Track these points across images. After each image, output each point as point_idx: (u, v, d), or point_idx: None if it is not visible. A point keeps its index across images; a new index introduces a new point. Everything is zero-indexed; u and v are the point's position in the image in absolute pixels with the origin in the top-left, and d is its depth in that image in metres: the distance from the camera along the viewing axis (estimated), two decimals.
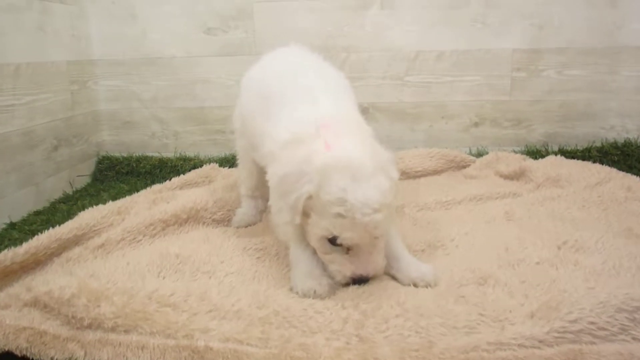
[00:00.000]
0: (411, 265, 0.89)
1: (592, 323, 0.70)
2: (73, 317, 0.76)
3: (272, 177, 0.88)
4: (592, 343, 0.69)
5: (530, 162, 1.54)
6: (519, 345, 0.69)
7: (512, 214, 1.18)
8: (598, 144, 1.71)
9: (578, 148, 1.72)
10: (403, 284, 0.88)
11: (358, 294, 0.82)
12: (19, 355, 0.75)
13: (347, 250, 0.82)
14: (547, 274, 0.87)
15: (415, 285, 0.87)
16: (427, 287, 0.86)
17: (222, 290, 0.83)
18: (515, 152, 1.72)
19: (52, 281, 0.80)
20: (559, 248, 0.98)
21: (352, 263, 0.83)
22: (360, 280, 0.85)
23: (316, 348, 0.70)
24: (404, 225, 1.15)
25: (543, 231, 1.06)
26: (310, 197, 0.80)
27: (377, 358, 0.68)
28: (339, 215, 0.77)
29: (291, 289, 0.86)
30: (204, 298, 0.80)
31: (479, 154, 1.72)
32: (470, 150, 1.78)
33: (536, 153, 1.72)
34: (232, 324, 0.74)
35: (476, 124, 1.79)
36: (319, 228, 0.81)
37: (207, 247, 1.03)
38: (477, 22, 1.69)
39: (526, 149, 1.76)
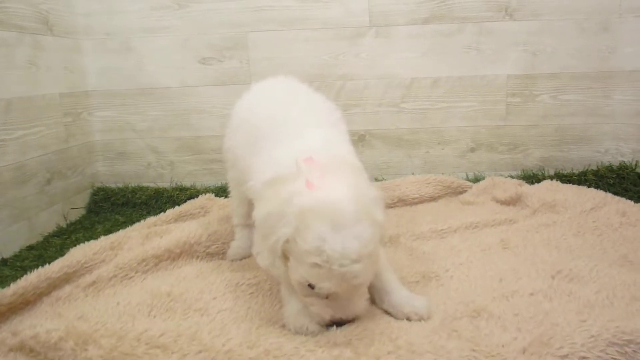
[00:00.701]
0: (404, 299, 0.87)
1: (583, 358, 0.69)
2: None
3: (255, 218, 0.84)
4: None
5: (526, 188, 1.53)
6: None
7: (508, 242, 1.17)
8: (594, 168, 1.70)
9: (574, 172, 1.71)
10: (396, 319, 0.86)
11: (350, 329, 0.81)
12: None
13: (326, 295, 0.78)
14: (540, 306, 0.85)
15: (408, 319, 0.85)
16: (420, 320, 0.85)
17: (213, 329, 0.82)
18: (512, 176, 1.72)
19: (39, 325, 0.79)
20: (553, 278, 0.96)
21: (331, 307, 0.80)
22: (340, 323, 0.82)
23: None
24: (399, 256, 1.14)
25: (538, 260, 1.05)
26: (287, 241, 0.77)
27: None
28: (316, 265, 0.74)
29: (283, 326, 0.85)
30: (194, 338, 0.78)
31: (476, 179, 1.72)
32: (467, 176, 1.77)
33: (532, 177, 1.71)
34: None
35: (472, 149, 1.79)
36: (296, 274, 0.78)
37: (199, 283, 1.01)
38: (471, 49, 1.71)
39: (523, 174, 1.76)
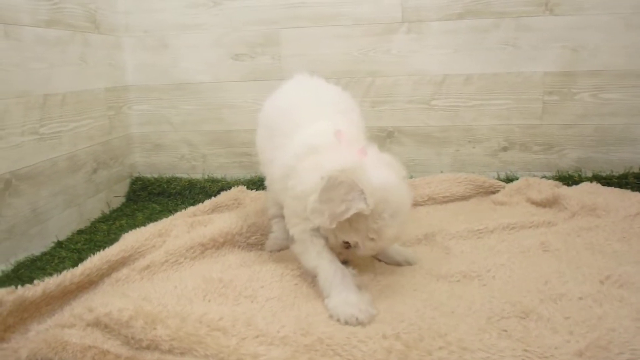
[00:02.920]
0: (396, 251, 1.07)
1: None
2: (132, 338, 0.79)
3: (304, 183, 0.91)
4: None
5: (564, 190, 1.50)
6: None
7: (549, 245, 1.14)
8: (636, 170, 1.65)
9: (614, 174, 1.66)
10: (388, 264, 1.07)
11: (396, 324, 0.81)
12: None
13: (348, 247, 0.93)
14: (591, 311, 0.84)
15: (399, 265, 1.06)
16: (409, 265, 1.05)
17: (265, 316, 0.84)
18: (545, 177, 1.67)
19: (110, 303, 0.84)
20: (601, 283, 0.94)
21: (344, 253, 0.95)
22: (343, 261, 0.96)
23: None
24: (436, 254, 1.13)
25: (583, 264, 1.03)
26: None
27: None
28: (372, 239, 0.88)
29: (331, 317, 0.86)
30: (250, 323, 0.81)
31: (508, 179, 1.68)
32: (498, 175, 1.74)
33: (568, 179, 1.67)
34: (279, 350, 0.75)
35: (505, 149, 1.75)
36: (348, 236, 0.90)
37: (246, 272, 1.05)
38: (507, 45, 1.67)
39: (557, 175, 1.71)
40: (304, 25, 1.73)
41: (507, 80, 1.70)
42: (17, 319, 0.86)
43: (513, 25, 1.65)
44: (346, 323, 0.84)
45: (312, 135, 0.96)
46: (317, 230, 0.93)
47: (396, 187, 0.88)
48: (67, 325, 0.83)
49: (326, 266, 0.92)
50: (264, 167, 1.14)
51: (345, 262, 0.96)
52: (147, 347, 0.78)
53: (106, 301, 0.86)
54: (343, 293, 0.88)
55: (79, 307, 0.88)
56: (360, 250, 0.92)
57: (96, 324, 0.82)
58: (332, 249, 0.95)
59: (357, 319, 0.83)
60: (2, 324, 0.84)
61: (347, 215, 0.84)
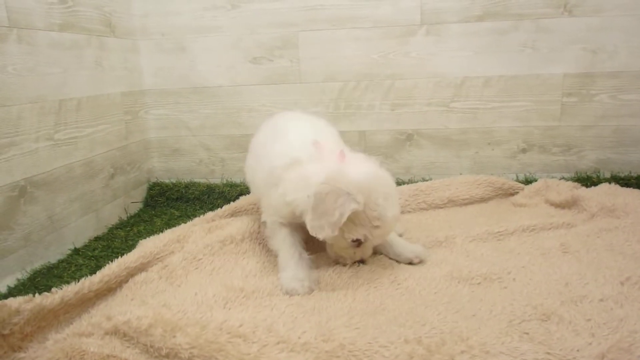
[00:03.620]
0: (405, 247, 1.12)
1: None
2: (151, 347, 0.79)
3: (284, 197, 1.03)
4: None
5: (583, 191, 1.49)
6: None
7: (568, 247, 1.14)
8: None
9: (632, 175, 1.65)
10: (400, 263, 1.10)
11: (417, 327, 0.82)
12: None
13: (359, 244, 1.02)
14: (612, 313, 0.84)
15: (411, 263, 1.10)
16: (420, 262, 1.10)
17: (286, 322, 0.85)
18: (564, 179, 1.67)
19: (128, 311, 0.84)
20: (622, 284, 0.94)
21: (359, 253, 1.06)
22: (361, 261, 1.08)
23: None
24: (456, 257, 1.13)
25: (603, 266, 1.03)
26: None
27: None
28: (377, 226, 0.97)
29: (280, 287, 1.00)
30: (270, 329, 0.81)
31: (527, 181, 1.68)
32: (517, 177, 1.74)
33: (587, 180, 1.66)
34: (300, 356, 0.75)
35: (524, 150, 1.75)
36: (354, 234, 0.99)
37: (267, 280, 1.05)
38: (526, 47, 1.67)
39: (576, 176, 1.71)
40: (322, 27, 1.74)
41: (526, 82, 1.69)
42: (35, 328, 0.86)
43: (532, 27, 1.65)
44: (287, 293, 0.98)
45: (293, 147, 1.07)
46: (284, 222, 1.10)
47: (377, 175, 1.00)
48: (85, 334, 0.82)
49: (287, 249, 1.07)
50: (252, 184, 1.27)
51: (362, 261, 1.09)
52: (167, 356, 0.77)
53: (125, 309, 0.85)
54: (294, 270, 1.02)
55: (97, 316, 0.87)
56: (371, 242, 1.02)
57: (115, 332, 0.82)
58: (343, 253, 1.07)
59: (297, 291, 0.98)
60: (20, 332, 0.83)
61: (344, 220, 0.94)
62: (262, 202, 1.16)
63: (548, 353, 0.73)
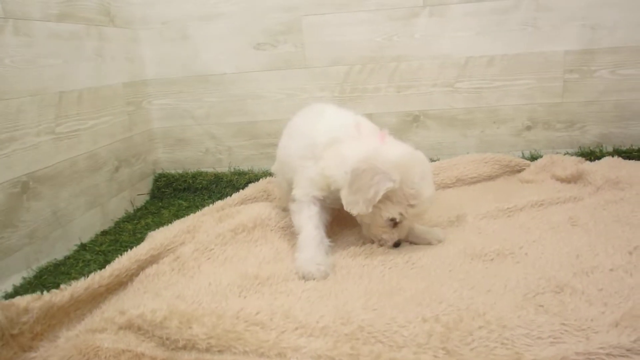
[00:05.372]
0: (424, 230, 1.14)
1: None
2: (167, 339, 0.77)
3: (331, 168, 1.05)
4: None
5: (587, 165, 1.52)
6: (607, 355, 0.69)
7: (577, 220, 1.18)
8: None
9: (634, 147, 1.68)
10: (418, 244, 1.12)
11: (434, 305, 0.83)
12: None
13: (395, 224, 1.05)
14: (623, 282, 0.87)
15: (430, 244, 1.12)
16: (439, 242, 1.11)
17: (303, 307, 0.84)
18: (569, 154, 1.69)
19: (142, 304, 0.82)
20: (630, 254, 0.97)
21: (396, 233, 1.08)
22: (398, 243, 1.09)
23: None
24: (468, 235, 1.16)
25: (612, 237, 1.06)
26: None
27: None
28: (412, 205, 1.01)
29: (295, 269, 1.01)
30: (288, 315, 0.80)
31: (533, 158, 1.71)
32: (522, 154, 1.76)
33: (590, 154, 1.69)
34: (320, 341, 0.75)
35: (528, 128, 1.77)
36: (390, 212, 1.02)
37: (282, 266, 1.05)
38: (527, 26, 1.68)
39: (580, 151, 1.74)
40: (325, 11, 1.74)
41: (528, 60, 1.71)
42: (45, 326, 0.83)
43: (533, 5, 1.66)
44: (303, 277, 0.98)
45: (334, 127, 1.10)
46: (317, 199, 1.10)
47: (414, 155, 1.05)
48: (98, 330, 0.80)
49: (310, 229, 1.07)
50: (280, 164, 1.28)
51: (397, 245, 1.10)
52: (184, 347, 0.76)
53: (138, 302, 0.83)
54: (313, 252, 1.02)
55: (109, 310, 0.85)
56: (407, 222, 1.06)
57: (129, 326, 0.79)
58: (380, 232, 1.08)
59: (313, 275, 0.98)
60: (30, 332, 0.80)
61: (379, 197, 0.97)
62: (296, 177, 1.14)
63: (563, 324, 0.75)
